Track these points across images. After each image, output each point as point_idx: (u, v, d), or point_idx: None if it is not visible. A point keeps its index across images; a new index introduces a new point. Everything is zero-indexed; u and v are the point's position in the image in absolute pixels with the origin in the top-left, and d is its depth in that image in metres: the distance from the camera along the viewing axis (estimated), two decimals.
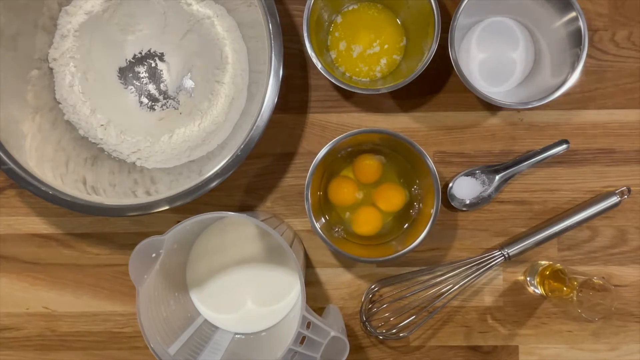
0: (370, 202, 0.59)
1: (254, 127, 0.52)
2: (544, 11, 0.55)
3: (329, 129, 0.61)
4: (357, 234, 0.58)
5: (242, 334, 0.59)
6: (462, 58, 0.58)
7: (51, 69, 0.59)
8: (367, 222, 0.58)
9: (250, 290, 0.59)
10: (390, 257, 0.54)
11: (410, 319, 0.58)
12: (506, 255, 0.58)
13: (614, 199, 0.58)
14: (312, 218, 0.53)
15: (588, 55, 0.54)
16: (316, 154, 0.54)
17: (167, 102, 0.61)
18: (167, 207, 0.53)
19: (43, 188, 0.53)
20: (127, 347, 0.62)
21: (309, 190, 0.54)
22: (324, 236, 0.54)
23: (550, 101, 0.53)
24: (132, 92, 0.61)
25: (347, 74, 0.59)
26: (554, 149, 0.58)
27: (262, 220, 0.50)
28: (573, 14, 0.53)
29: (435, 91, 0.61)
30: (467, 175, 0.60)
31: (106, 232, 0.62)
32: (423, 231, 0.53)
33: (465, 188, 0.60)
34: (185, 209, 0.58)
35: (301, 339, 0.49)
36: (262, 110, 0.52)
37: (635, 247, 0.60)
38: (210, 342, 0.56)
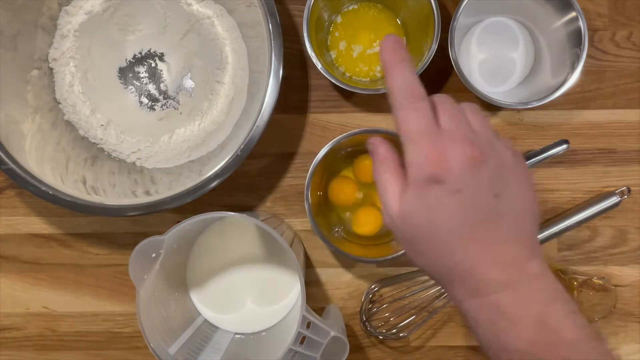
0: (370, 202, 0.59)
1: (254, 127, 0.52)
2: (544, 11, 0.55)
3: (329, 129, 0.61)
4: (357, 234, 0.58)
5: (242, 334, 0.59)
6: (462, 58, 0.58)
7: (51, 69, 0.59)
8: (367, 222, 0.58)
9: (250, 290, 0.59)
10: (390, 257, 0.54)
11: (410, 319, 0.58)
12: None
13: (614, 199, 0.58)
14: (312, 218, 0.53)
15: (588, 55, 0.54)
16: (316, 154, 0.54)
17: (167, 102, 0.61)
18: (167, 207, 0.53)
19: (43, 188, 0.53)
20: (127, 347, 0.62)
21: (309, 190, 0.54)
22: (324, 236, 0.54)
23: (550, 101, 0.53)
24: (132, 92, 0.61)
25: (347, 74, 0.59)
26: (554, 149, 0.58)
27: (262, 220, 0.50)
28: (573, 14, 0.53)
29: (435, 91, 0.60)
30: None
31: (106, 232, 0.62)
32: None
33: None
34: (185, 209, 0.58)
35: (301, 339, 0.49)
36: (262, 110, 0.52)
37: (635, 247, 0.60)
38: (210, 342, 0.56)
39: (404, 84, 0.34)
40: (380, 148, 0.37)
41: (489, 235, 0.33)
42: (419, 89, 0.34)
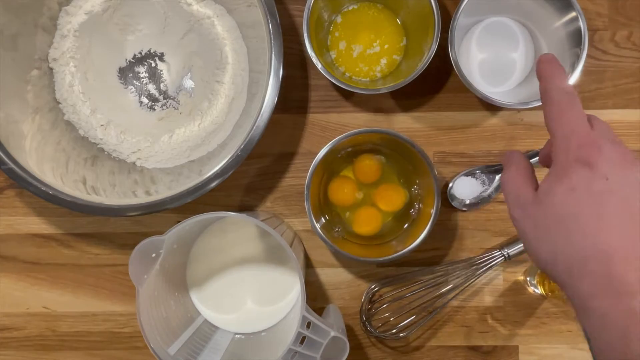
0: (370, 202, 0.59)
1: (254, 127, 0.52)
2: (544, 11, 0.55)
3: (329, 129, 0.61)
4: (357, 234, 0.58)
5: (242, 334, 0.59)
6: (462, 58, 0.58)
7: (51, 69, 0.59)
8: (367, 222, 0.58)
9: (250, 290, 0.59)
10: (390, 257, 0.54)
11: (410, 319, 0.58)
12: (506, 255, 0.58)
13: None
14: (312, 218, 0.53)
15: (588, 55, 0.54)
16: (316, 154, 0.54)
17: (167, 102, 0.61)
18: (167, 207, 0.53)
19: (43, 188, 0.53)
20: (127, 347, 0.62)
21: (309, 190, 0.54)
22: (324, 236, 0.54)
23: None
24: (132, 92, 0.61)
25: (347, 74, 0.59)
26: None
27: (262, 220, 0.50)
28: (573, 14, 0.53)
29: (435, 91, 0.61)
30: (467, 175, 0.60)
31: (106, 232, 0.62)
32: (423, 231, 0.53)
33: (465, 188, 0.60)
34: (185, 209, 0.58)
35: (301, 339, 0.49)
36: (262, 110, 0.52)
37: None
38: (210, 342, 0.56)
39: (562, 85, 0.36)
40: (514, 154, 0.39)
41: (636, 236, 0.31)
42: (573, 91, 0.36)
